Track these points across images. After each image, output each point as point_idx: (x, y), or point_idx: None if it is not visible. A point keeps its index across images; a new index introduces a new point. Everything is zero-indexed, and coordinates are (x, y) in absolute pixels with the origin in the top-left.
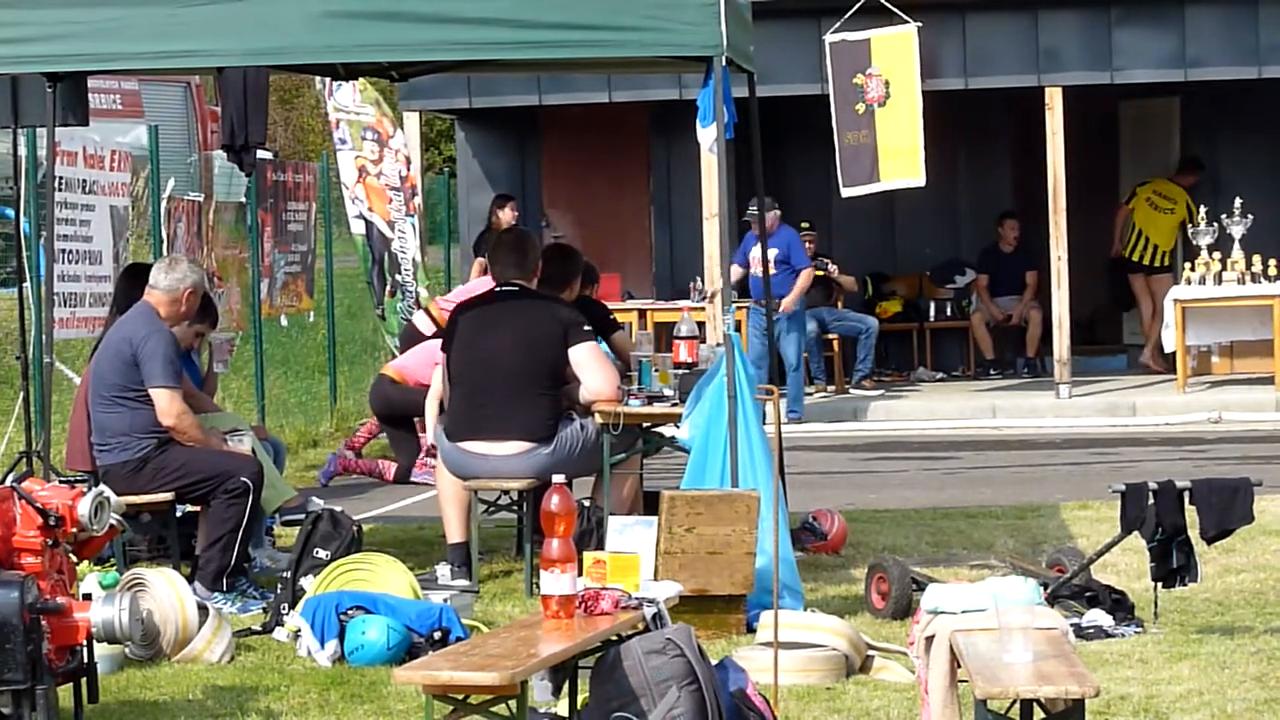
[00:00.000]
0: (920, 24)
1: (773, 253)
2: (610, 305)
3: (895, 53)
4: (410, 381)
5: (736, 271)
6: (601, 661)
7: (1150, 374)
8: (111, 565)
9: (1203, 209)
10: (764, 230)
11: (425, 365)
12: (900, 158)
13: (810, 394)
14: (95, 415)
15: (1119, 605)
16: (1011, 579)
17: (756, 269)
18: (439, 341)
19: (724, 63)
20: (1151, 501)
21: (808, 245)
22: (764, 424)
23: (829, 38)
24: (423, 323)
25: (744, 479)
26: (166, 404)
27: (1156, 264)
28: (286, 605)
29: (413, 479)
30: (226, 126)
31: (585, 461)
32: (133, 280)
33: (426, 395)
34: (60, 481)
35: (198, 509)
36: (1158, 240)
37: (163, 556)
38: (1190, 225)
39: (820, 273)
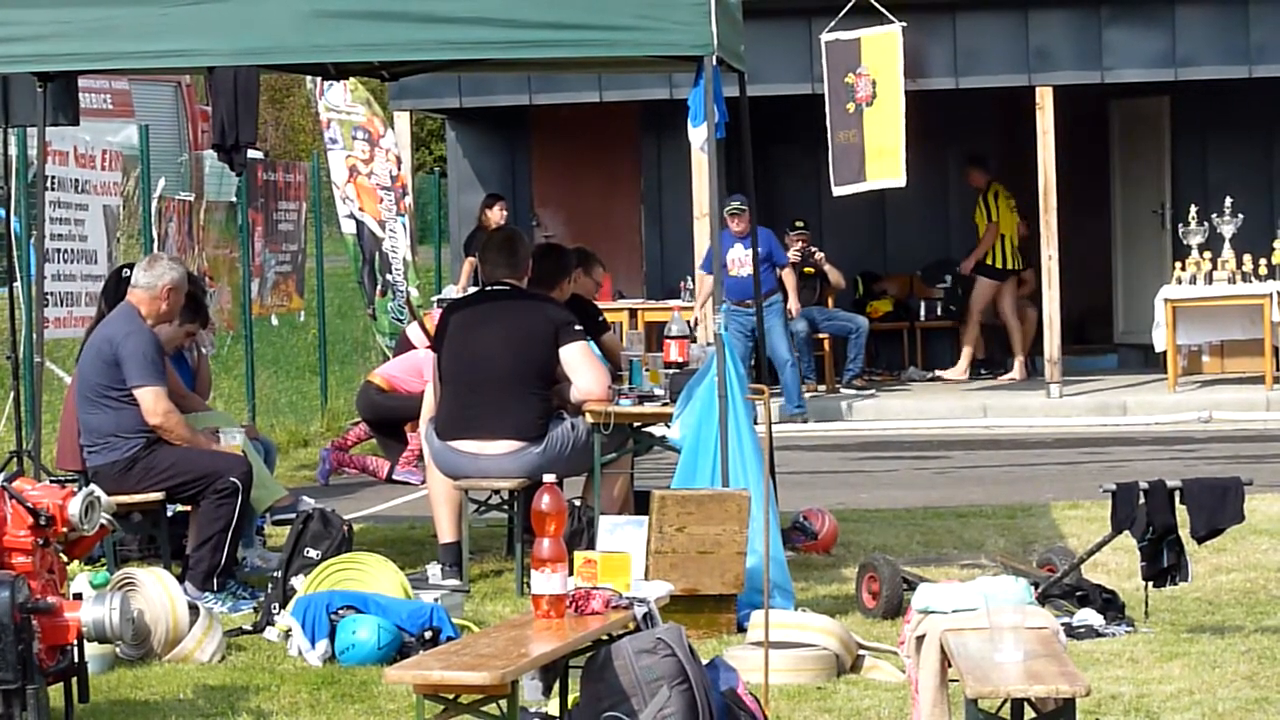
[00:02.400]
0: (905, 24)
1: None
2: (601, 305)
3: (881, 53)
4: (399, 389)
5: (708, 282)
6: (592, 661)
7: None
8: (102, 565)
9: (1193, 208)
10: (754, 223)
11: (413, 373)
12: (884, 157)
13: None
14: (82, 417)
15: (1110, 604)
16: (1002, 578)
17: (734, 270)
18: (426, 352)
19: (715, 62)
20: (1142, 501)
21: (800, 244)
22: (755, 423)
23: (824, 37)
24: (415, 336)
25: (734, 478)
26: (151, 403)
27: (1015, 266)
28: (277, 605)
29: (394, 476)
30: (217, 126)
31: (576, 461)
32: (121, 281)
33: (413, 403)
34: (51, 481)
35: (188, 509)
36: (1005, 229)
37: (153, 556)
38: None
39: (809, 270)
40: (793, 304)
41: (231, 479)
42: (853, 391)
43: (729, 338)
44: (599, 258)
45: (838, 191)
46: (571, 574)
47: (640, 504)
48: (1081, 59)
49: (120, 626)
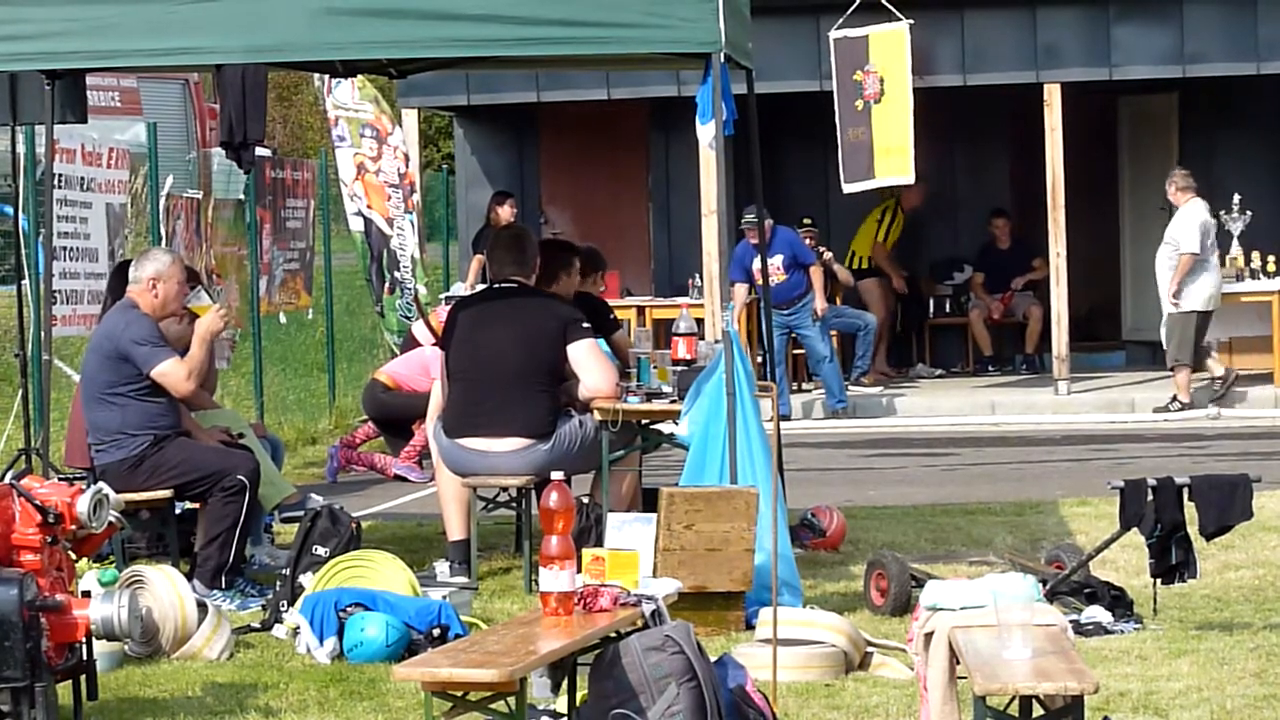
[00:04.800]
0: (913, 21)
1: (779, 259)
2: (609, 302)
3: (889, 50)
4: (404, 388)
5: (741, 291)
6: (600, 658)
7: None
8: (110, 562)
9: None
10: (762, 238)
11: (418, 371)
12: (893, 155)
13: (810, 390)
14: (89, 415)
15: (1118, 601)
16: (1010, 575)
17: (761, 278)
18: (433, 350)
19: (723, 59)
20: (1150, 498)
21: (809, 241)
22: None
23: (832, 34)
24: (421, 333)
25: (743, 476)
26: (174, 376)
27: (859, 266)
28: (285, 602)
29: (394, 470)
30: (225, 123)
31: (584, 458)
32: (123, 278)
33: (419, 400)
34: (59, 479)
35: (197, 506)
36: (856, 246)
37: (162, 554)
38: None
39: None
40: (818, 303)
41: (239, 476)
42: (861, 389)
43: (739, 334)
44: (579, 255)
45: (848, 189)
46: (580, 571)
47: (648, 501)
48: (1090, 56)
49: (129, 624)
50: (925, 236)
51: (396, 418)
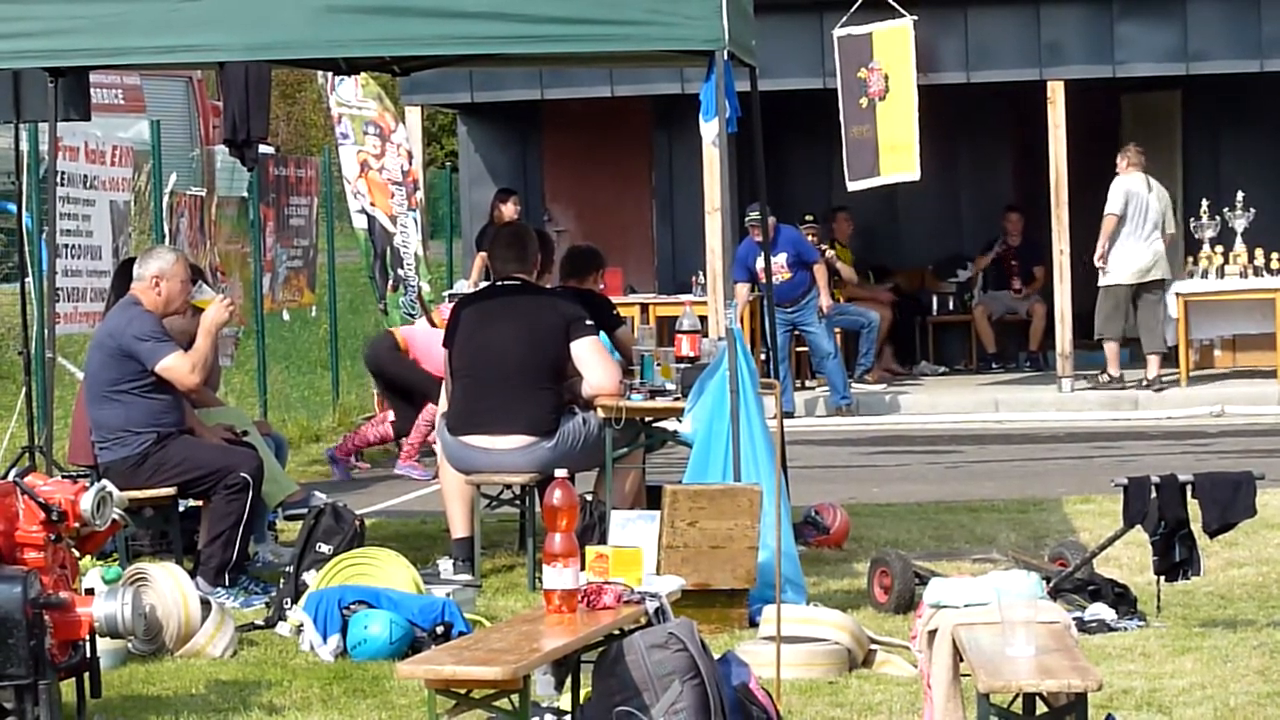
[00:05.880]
0: (916, 18)
1: (783, 257)
2: (612, 299)
3: (893, 47)
4: (412, 354)
5: (743, 290)
6: (604, 656)
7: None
8: (114, 560)
9: (1204, 202)
10: (766, 236)
11: (430, 348)
12: (898, 152)
13: (813, 388)
14: (91, 413)
15: (1121, 599)
16: (1014, 573)
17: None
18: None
19: (726, 57)
20: (1154, 495)
21: (811, 238)
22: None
23: (836, 31)
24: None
25: (746, 473)
26: (178, 370)
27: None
28: (289, 600)
29: (396, 470)
30: (228, 121)
31: (588, 456)
32: (127, 275)
33: (420, 376)
34: (63, 476)
35: (200, 504)
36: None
37: (165, 551)
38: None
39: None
40: (823, 300)
41: (243, 474)
42: (864, 386)
43: (742, 332)
44: (591, 245)
45: (852, 186)
46: (583, 569)
47: (652, 499)
48: (1093, 53)
49: (132, 622)
50: (928, 234)
51: (393, 380)
